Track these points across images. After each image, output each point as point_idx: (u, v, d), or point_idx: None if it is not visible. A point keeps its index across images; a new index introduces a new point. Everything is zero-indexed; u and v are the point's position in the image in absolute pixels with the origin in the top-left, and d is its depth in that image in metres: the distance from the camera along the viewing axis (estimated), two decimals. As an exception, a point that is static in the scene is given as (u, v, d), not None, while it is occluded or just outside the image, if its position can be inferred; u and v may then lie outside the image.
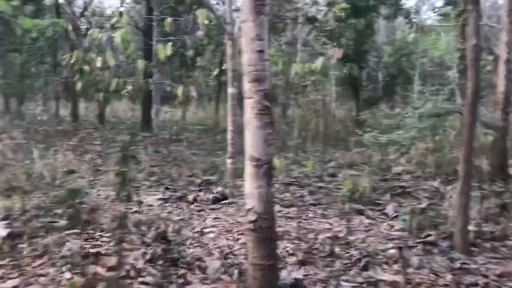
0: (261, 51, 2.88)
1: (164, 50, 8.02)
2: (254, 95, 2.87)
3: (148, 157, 8.70)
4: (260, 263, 2.97)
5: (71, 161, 7.62)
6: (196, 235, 4.58)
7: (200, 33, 9.92)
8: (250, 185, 2.94)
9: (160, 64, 10.96)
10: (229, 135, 6.31)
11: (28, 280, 3.38)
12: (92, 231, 4.46)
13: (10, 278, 3.43)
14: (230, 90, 6.37)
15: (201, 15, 6.90)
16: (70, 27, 13.16)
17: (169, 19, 8.10)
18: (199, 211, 5.50)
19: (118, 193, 4.51)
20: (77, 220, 4.55)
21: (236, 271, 3.62)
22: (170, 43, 7.92)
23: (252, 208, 2.93)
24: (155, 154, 9.67)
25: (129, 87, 9.48)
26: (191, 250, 4.12)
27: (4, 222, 4.48)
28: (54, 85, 15.95)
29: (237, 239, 4.49)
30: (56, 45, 15.87)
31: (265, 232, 2.95)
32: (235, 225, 4.89)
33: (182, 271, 3.64)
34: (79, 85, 8.99)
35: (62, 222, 4.56)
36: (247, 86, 2.90)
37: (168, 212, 5.32)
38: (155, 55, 10.58)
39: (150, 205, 5.46)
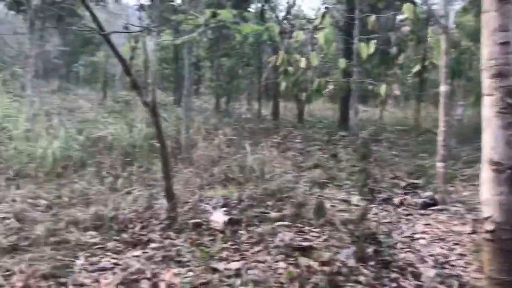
0: (505, 43, 2.56)
1: (366, 48, 7.89)
2: (495, 91, 2.57)
3: (348, 157, 8.65)
4: (498, 278, 2.67)
5: (276, 157, 8.01)
6: (406, 239, 4.38)
7: (405, 28, 9.51)
8: (487, 191, 2.64)
9: (360, 63, 10.84)
10: (440, 137, 5.83)
11: (249, 264, 3.64)
12: (300, 225, 4.61)
13: (233, 261, 3.74)
14: (443, 88, 5.88)
15: (408, 10, 6.58)
16: (278, 31, 13.96)
17: (373, 17, 7.92)
18: (406, 215, 5.25)
19: (361, 190, 4.58)
20: (321, 214, 4.73)
21: (455, 283, 3.35)
22: (373, 41, 7.75)
23: (490, 216, 2.63)
24: (354, 154, 9.58)
25: (331, 87, 9.63)
26: (402, 254, 3.95)
27: (223, 209, 4.95)
28: (258, 85, 17.14)
29: (453, 249, 4.14)
30: (260, 48, 17.01)
31: (506, 244, 2.64)
32: (450, 234, 4.52)
33: (394, 275, 3.52)
34: (283, 85, 9.45)
35: (273, 214, 4.84)
36: (487, 82, 2.61)
37: (374, 214, 5.20)
38: (355, 54, 10.52)
39: (356, 205, 5.41)
